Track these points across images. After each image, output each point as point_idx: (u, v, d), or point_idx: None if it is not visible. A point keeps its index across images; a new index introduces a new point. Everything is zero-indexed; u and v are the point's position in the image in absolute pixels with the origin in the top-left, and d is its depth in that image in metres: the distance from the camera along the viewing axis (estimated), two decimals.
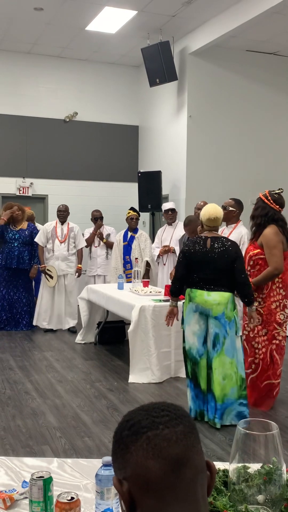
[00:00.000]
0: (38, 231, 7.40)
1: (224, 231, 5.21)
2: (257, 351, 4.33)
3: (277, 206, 4.36)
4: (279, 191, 4.46)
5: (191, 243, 4.09)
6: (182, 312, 4.17)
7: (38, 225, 7.96)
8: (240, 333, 4.08)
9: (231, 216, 5.01)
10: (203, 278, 4.00)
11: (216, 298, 3.96)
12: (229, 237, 4.93)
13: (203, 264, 3.99)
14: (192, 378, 4.10)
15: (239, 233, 5.18)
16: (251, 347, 4.37)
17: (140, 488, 0.87)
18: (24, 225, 7.35)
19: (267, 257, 4.23)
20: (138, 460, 0.88)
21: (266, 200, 4.34)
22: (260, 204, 4.37)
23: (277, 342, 4.31)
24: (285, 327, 4.38)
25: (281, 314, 4.29)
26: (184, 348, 4.17)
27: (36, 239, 7.36)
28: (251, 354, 4.37)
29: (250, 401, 4.29)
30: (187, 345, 4.11)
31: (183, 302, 4.19)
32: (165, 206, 7.26)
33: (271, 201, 4.35)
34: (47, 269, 7.27)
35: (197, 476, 0.89)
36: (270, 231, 4.26)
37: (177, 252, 6.64)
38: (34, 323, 7.30)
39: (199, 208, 6.07)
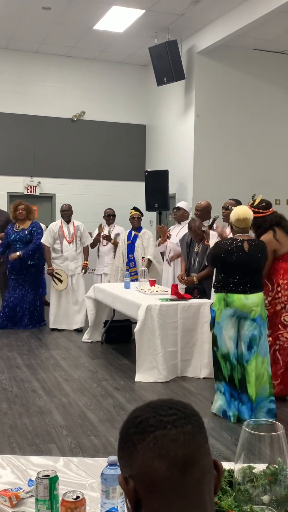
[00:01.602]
0: (38, 228, 7.31)
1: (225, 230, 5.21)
2: (282, 351, 4.35)
3: (267, 211, 4.43)
4: (257, 200, 4.50)
5: (227, 247, 4.04)
6: (213, 317, 4.14)
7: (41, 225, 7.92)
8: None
9: None
10: (241, 282, 4.01)
11: (254, 301, 4.01)
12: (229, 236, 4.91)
13: (240, 268, 4.02)
14: (230, 382, 4.09)
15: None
16: None
17: (145, 488, 0.87)
18: (26, 225, 7.28)
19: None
20: (145, 459, 0.87)
21: (259, 215, 4.38)
22: (255, 222, 4.34)
23: (281, 343, 4.37)
24: None
25: (286, 315, 4.32)
26: (215, 352, 4.16)
27: (42, 240, 7.29)
28: None
29: None
30: (224, 349, 4.09)
31: (212, 306, 4.17)
32: (179, 204, 7.24)
33: (260, 211, 4.43)
34: (56, 273, 7.26)
35: (204, 477, 0.88)
36: (264, 239, 4.35)
37: (172, 239, 6.60)
38: (51, 326, 7.27)
39: (197, 209, 6.05)
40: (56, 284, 7.27)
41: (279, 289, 4.34)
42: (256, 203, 4.48)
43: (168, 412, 0.90)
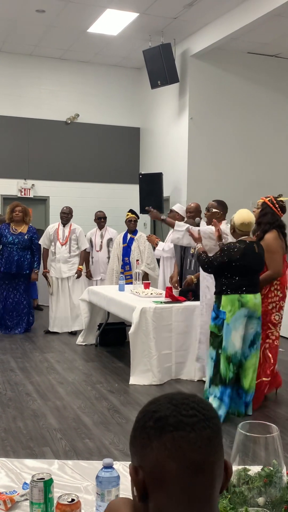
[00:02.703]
0: (37, 234, 7.30)
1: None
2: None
3: (281, 213, 4.48)
4: (282, 198, 4.55)
5: (240, 250, 4.07)
6: (223, 319, 4.11)
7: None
8: None
9: (215, 217, 4.99)
10: (251, 283, 4.13)
11: (260, 300, 4.20)
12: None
13: (252, 269, 4.14)
14: (229, 384, 4.10)
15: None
16: None
17: (155, 483, 0.88)
18: (25, 228, 7.23)
19: (268, 262, 4.33)
20: (159, 457, 0.87)
21: (273, 207, 4.43)
22: (268, 211, 4.47)
23: (270, 341, 4.46)
24: (279, 328, 4.49)
25: (276, 315, 4.43)
26: (218, 355, 4.13)
27: (40, 242, 7.35)
28: None
29: None
30: (231, 351, 4.09)
31: (218, 308, 4.14)
32: (174, 207, 7.24)
33: (278, 208, 4.47)
34: (48, 275, 7.33)
35: (214, 480, 0.89)
36: (271, 236, 4.40)
37: (159, 247, 6.61)
38: (50, 329, 7.28)
39: (189, 211, 6.05)
40: (49, 286, 7.33)
41: (272, 289, 4.42)
42: (281, 198, 4.53)
43: (189, 412, 0.90)
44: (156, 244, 6.78)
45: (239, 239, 4.17)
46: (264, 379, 4.43)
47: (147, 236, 7.10)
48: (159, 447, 0.88)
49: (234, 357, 4.09)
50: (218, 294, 4.19)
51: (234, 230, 4.21)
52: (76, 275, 7.33)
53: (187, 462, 0.86)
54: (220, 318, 4.13)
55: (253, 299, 4.12)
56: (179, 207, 7.21)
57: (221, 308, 4.13)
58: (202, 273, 5.06)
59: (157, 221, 9.55)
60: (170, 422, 0.88)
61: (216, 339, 4.17)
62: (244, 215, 4.15)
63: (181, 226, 4.85)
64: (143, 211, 9.19)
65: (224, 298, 4.12)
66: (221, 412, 4.08)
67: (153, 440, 0.88)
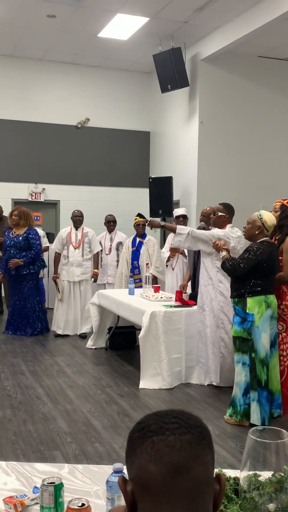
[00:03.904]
0: (35, 235, 7.25)
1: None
2: (282, 357, 4.36)
3: None
4: None
5: (268, 251, 4.09)
6: (251, 321, 4.07)
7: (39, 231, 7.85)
8: None
9: (221, 221, 4.97)
10: (272, 284, 4.19)
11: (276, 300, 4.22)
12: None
13: (275, 270, 4.20)
14: (265, 386, 4.08)
15: (221, 232, 5.09)
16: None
17: (140, 490, 0.89)
18: (22, 230, 7.23)
19: (285, 263, 4.29)
20: (141, 462, 0.89)
21: None
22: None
23: None
24: None
25: None
26: (252, 359, 4.07)
27: (53, 246, 7.42)
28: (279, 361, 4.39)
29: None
30: (262, 353, 4.06)
31: (244, 311, 4.10)
32: (177, 212, 7.25)
33: None
34: (58, 280, 7.34)
35: (198, 487, 0.88)
36: None
37: (186, 254, 6.60)
38: (51, 329, 7.31)
39: (202, 215, 6.04)
40: (58, 291, 7.34)
41: None
42: None
43: (171, 420, 0.91)
44: (182, 253, 6.82)
45: (263, 239, 4.16)
46: None
47: (171, 246, 7.06)
48: (141, 453, 0.89)
49: (266, 358, 4.08)
50: (240, 296, 4.14)
51: (261, 231, 4.18)
52: (92, 279, 7.36)
53: (166, 465, 0.86)
54: (248, 321, 4.06)
55: (274, 300, 4.16)
56: (184, 211, 7.24)
57: (248, 311, 4.07)
58: (204, 278, 5.05)
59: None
60: (152, 428, 0.91)
61: (245, 344, 4.09)
62: (272, 216, 4.25)
63: (183, 229, 4.86)
64: (153, 214, 9.20)
65: (250, 300, 4.07)
66: (265, 416, 4.06)
67: (137, 448, 0.90)
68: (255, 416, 4.07)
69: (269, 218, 4.19)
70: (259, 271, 4.07)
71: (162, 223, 5.18)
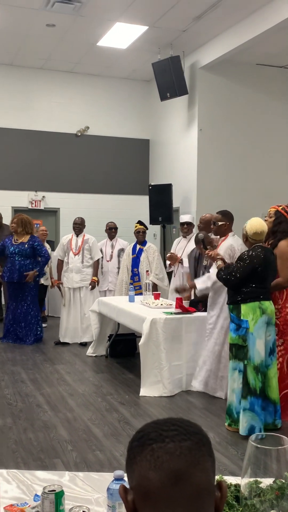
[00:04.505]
0: (39, 244, 7.30)
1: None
2: None
3: None
4: None
5: (262, 257, 4.07)
6: (246, 328, 4.06)
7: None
8: None
9: (223, 229, 4.99)
10: (268, 289, 4.18)
11: (274, 306, 4.19)
12: (218, 250, 4.88)
13: (270, 276, 4.19)
14: (261, 394, 4.04)
15: (226, 245, 5.10)
16: None
17: (141, 498, 0.88)
18: (25, 238, 7.25)
19: (280, 268, 4.32)
20: (141, 470, 0.88)
21: (287, 215, 4.46)
22: (283, 219, 4.50)
23: None
24: None
25: None
26: (245, 366, 4.05)
27: (55, 253, 7.48)
28: None
29: None
30: (257, 360, 4.03)
31: (238, 317, 4.10)
32: (182, 218, 7.22)
33: None
34: (62, 286, 7.37)
35: (198, 494, 0.87)
36: (285, 244, 4.41)
37: (185, 264, 6.58)
38: (60, 339, 7.31)
39: (200, 222, 6.04)
40: (62, 297, 7.37)
41: None
42: None
43: (170, 427, 0.91)
44: (180, 262, 6.80)
45: (256, 245, 4.16)
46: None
47: (168, 255, 7.06)
48: (141, 461, 0.89)
49: (261, 366, 4.04)
50: (235, 303, 4.13)
51: (247, 239, 4.21)
52: (90, 286, 7.36)
53: (166, 471, 0.86)
54: (243, 328, 4.06)
55: (270, 306, 4.13)
56: (190, 218, 7.23)
57: (242, 317, 4.07)
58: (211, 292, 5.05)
59: (167, 232, 9.57)
60: (151, 436, 0.91)
61: (241, 351, 4.08)
62: (257, 224, 4.15)
63: (202, 288, 5.01)
64: (153, 222, 9.22)
65: (244, 307, 4.06)
66: (256, 424, 4.00)
67: (137, 456, 0.90)
68: (241, 426, 4.03)
69: (251, 227, 4.14)
70: (253, 277, 4.06)
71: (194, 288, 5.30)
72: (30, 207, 10.00)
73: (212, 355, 4.98)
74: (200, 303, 5.59)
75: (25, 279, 7.11)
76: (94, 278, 7.38)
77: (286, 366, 4.37)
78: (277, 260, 4.33)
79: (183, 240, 7.09)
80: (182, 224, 7.12)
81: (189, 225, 7.08)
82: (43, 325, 7.92)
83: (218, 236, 5.19)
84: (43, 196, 10.12)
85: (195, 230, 7.51)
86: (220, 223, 4.95)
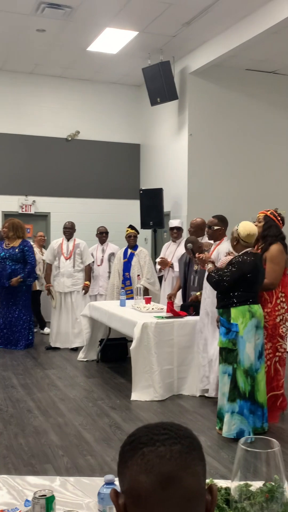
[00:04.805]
0: (30, 248, 7.27)
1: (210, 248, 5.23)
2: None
3: (282, 225, 4.57)
4: (280, 211, 4.63)
5: (252, 263, 4.09)
6: (236, 332, 4.07)
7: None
8: None
9: (218, 234, 5.03)
10: (256, 294, 4.20)
11: (262, 310, 4.22)
12: (212, 254, 4.92)
13: (260, 280, 4.21)
14: (249, 397, 4.05)
15: (217, 251, 5.12)
16: None
17: (132, 502, 0.89)
18: (16, 243, 7.22)
19: (267, 271, 4.38)
20: (133, 474, 0.89)
21: (275, 220, 4.49)
22: (272, 223, 4.54)
23: (280, 354, 4.46)
24: (286, 340, 4.51)
25: (283, 327, 4.46)
26: (234, 370, 4.05)
27: (44, 257, 7.43)
28: None
29: None
30: (246, 363, 4.04)
31: (232, 320, 4.09)
32: (171, 223, 7.24)
33: (280, 221, 4.57)
34: (52, 288, 7.32)
35: (189, 497, 0.88)
36: (276, 248, 4.45)
37: (176, 268, 6.60)
38: (51, 344, 7.28)
39: (191, 226, 6.06)
40: (52, 299, 7.32)
41: (278, 301, 4.44)
42: (280, 212, 4.61)
43: (161, 431, 0.92)
44: (171, 266, 6.81)
45: (246, 251, 4.18)
46: (277, 392, 4.43)
47: (159, 260, 7.05)
48: (132, 465, 0.90)
49: (250, 369, 4.06)
50: (225, 307, 4.15)
51: (238, 241, 4.22)
52: (83, 291, 7.34)
53: (157, 475, 0.87)
54: (233, 332, 4.07)
55: (259, 309, 4.16)
56: (179, 223, 7.25)
57: (232, 321, 4.08)
58: (206, 289, 5.06)
59: (158, 237, 9.59)
60: (142, 440, 0.91)
61: (231, 354, 4.09)
62: (249, 226, 4.20)
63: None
64: (144, 226, 9.23)
65: (234, 311, 4.08)
66: (245, 428, 4.02)
67: (128, 460, 0.91)
68: (226, 428, 4.03)
69: (244, 229, 4.17)
70: (243, 282, 4.08)
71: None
72: (20, 211, 9.98)
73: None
74: (191, 307, 5.60)
75: (16, 288, 7.10)
76: (86, 282, 7.37)
77: (273, 369, 4.42)
78: (266, 263, 4.37)
79: (172, 245, 7.11)
80: (172, 228, 7.14)
81: (178, 229, 7.10)
82: (47, 330, 7.88)
83: (212, 241, 5.22)
84: (34, 201, 10.10)
85: (185, 235, 7.54)
86: (216, 227, 5.00)
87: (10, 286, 7.09)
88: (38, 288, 7.91)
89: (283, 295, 4.46)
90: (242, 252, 4.18)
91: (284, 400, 4.52)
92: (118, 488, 0.95)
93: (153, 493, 0.86)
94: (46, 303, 8.74)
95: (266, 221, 4.55)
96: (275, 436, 4.02)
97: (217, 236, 5.05)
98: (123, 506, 0.90)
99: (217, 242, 5.09)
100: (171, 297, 6.07)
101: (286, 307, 4.47)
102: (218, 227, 5.00)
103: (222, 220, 5.07)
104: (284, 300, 4.46)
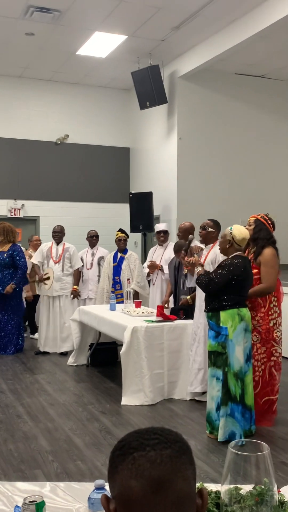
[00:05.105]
0: (20, 252, 7.21)
1: (203, 251, 5.24)
2: (256, 368, 4.41)
3: (273, 230, 4.61)
4: (272, 216, 4.66)
5: (242, 266, 4.11)
6: (225, 335, 4.07)
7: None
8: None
9: (211, 236, 5.07)
10: (245, 298, 4.21)
11: (250, 313, 4.24)
12: (207, 257, 4.96)
13: (249, 284, 4.22)
14: (240, 401, 4.06)
15: (214, 253, 5.16)
16: None
17: (123, 507, 0.89)
18: (6, 247, 7.16)
19: (263, 275, 4.39)
20: (123, 479, 0.89)
21: (266, 223, 4.52)
22: (263, 227, 4.55)
23: (275, 358, 4.46)
24: (281, 344, 4.48)
25: (277, 331, 4.46)
26: (225, 374, 4.05)
27: (32, 259, 7.38)
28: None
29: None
30: (237, 367, 4.05)
31: (222, 324, 4.09)
32: (158, 227, 7.27)
33: (270, 224, 4.58)
34: (45, 274, 7.23)
35: (180, 501, 0.88)
36: (270, 252, 4.47)
37: (165, 271, 6.61)
38: (40, 349, 7.24)
39: (179, 231, 6.07)
40: (45, 284, 7.22)
41: (271, 305, 4.46)
42: (271, 216, 4.64)
43: (151, 436, 0.92)
44: (161, 269, 6.81)
45: (236, 254, 4.20)
46: (272, 397, 4.43)
47: (149, 264, 7.04)
48: (122, 470, 0.90)
49: (240, 372, 4.07)
50: (214, 310, 4.15)
51: (231, 245, 4.22)
52: (72, 296, 7.32)
53: (147, 480, 0.87)
54: (222, 335, 4.07)
55: (247, 313, 4.18)
56: (166, 226, 7.27)
57: (221, 324, 4.09)
58: (198, 293, 5.07)
59: (148, 240, 9.59)
60: (132, 445, 0.91)
61: (220, 358, 4.09)
62: (244, 230, 4.23)
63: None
64: (134, 229, 9.24)
65: (223, 314, 4.09)
66: (237, 430, 4.03)
67: (118, 465, 0.91)
68: (221, 432, 4.04)
69: (239, 232, 4.19)
70: (232, 286, 4.09)
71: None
72: (9, 215, 9.94)
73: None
74: (181, 310, 5.61)
75: (3, 290, 7.05)
76: (75, 287, 7.35)
77: (268, 373, 4.42)
78: (261, 267, 4.39)
79: (159, 248, 7.12)
80: (159, 232, 7.15)
81: (165, 233, 7.12)
82: (37, 335, 7.79)
83: (203, 245, 5.24)
84: (23, 205, 10.07)
85: (174, 238, 7.56)
86: (210, 229, 5.03)
87: (1, 292, 7.03)
88: (37, 292, 7.84)
89: (275, 299, 4.48)
90: (232, 255, 4.20)
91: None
92: (109, 494, 0.94)
93: (144, 498, 0.86)
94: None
95: (256, 225, 4.58)
96: (265, 439, 4.03)
97: (210, 239, 5.07)
98: (114, 511, 0.90)
99: (211, 245, 5.10)
100: (166, 304, 6.08)
101: (278, 311, 4.48)
102: (212, 229, 5.03)
103: (217, 224, 5.13)
104: (276, 304, 4.48)
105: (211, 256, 5.02)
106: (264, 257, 4.43)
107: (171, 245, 7.03)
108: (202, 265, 4.51)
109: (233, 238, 4.19)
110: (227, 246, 4.23)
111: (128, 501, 0.88)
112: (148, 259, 7.26)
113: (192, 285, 5.48)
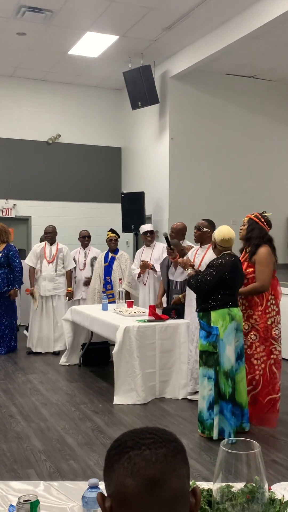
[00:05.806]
0: (15, 252, 7.23)
1: (198, 251, 5.24)
2: (257, 367, 4.43)
3: (268, 228, 4.59)
4: (266, 213, 4.66)
5: (230, 265, 4.13)
6: (216, 335, 4.09)
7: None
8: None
9: (206, 236, 5.07)
10: (235, 297, 4.25)
11: (241, 312, 4.29)
12: (204, 257, 4.97)
13: (239, 283, 4.26)
14: (230, 399, 4.08)
15: (212, 253, 5.17)
16: (250, 364, 4.43)
17: (118, 504, 0.91)
18: (1, 247, 7.17)
19: (257, 274, 4.41)
20: (119, 477, 0.91)
21: (259, 222, 4.52)
22: (255, 226, 4.56)
23: (275, 356, 4.47)
24: (280, 342, 4.50)
25: (275, 329, 4.47)
26: (216, 373, 4.08)
27: (26, 261, 7.33)
28: (251, 371, 4.43)
29: (254, 419, 4.37)
30: (227, 366, 4.08)
31: (209, 324, 4.12)
32: (143, 228, 7.26)
33: (264, 223, 4.57)
34: (35, 290, 7.25)
35: (174, 499, 0.90)
36: (264, 251, 4.48)
37: (157, 269, 6.61)
38: (28, 346, 7.24)
39: (173, 231, 6.08)
40: (34, 302, 7.26)
41: (268, 304, 4.47)
42: (265, 214, 4.64)
43: (147, 436, 0.94)
44: (152, 268, 6.81)
45: (225, 253, 4.23)
46: (273, 396, 4.44)
47: (140, 264, 7.03)
48: (118, 468, 0.92)
49: (231, 371, 4.10)
50: (205, 310, 4.19)
51: (215, 246, 4.28)
52: (67, 298, 7.32)
53: (142, 478, 0.89)
54: (214, 335, 4.10)
55: (238, 312, 4.21)
56: (151, 227, 7.29)
57: (212, 324, 4.12)
58: (189, 293, 5.10)
59: (139, 240, 9.59)
60: (128, 444, 0.94)
61: (211, 357, 4.12)
62: (224, 231, 4.24)
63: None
64: (125, 229, 9.24)
65: (214, 314, 4.12)
66: (226, 427, 4.06)
67: (114, 464, 0.93)
68: (215, 431, 4.07)
69: (218, 233, 4.23)
70: (222, 284, 4.13)
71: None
72: (0, 215, 9.91)
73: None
74: (173, 310, 5.63)
75: (1, 289, 7.05)
76: (69, 289, 7.35)
77: (269, 371, 4.42)
78: (255, 266, 4.42)
79: (147, 249, 7.10)
80: (145, 233, 7.12)
81: (151, 233, 7.12)
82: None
83: (197, 245, 5.26)
84: (14, 204, 10.05)
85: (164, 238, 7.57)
86: (205, 229, 5.05)
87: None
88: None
89: (273, 297, 4.49)
90: (221, 254, 4.24)
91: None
92: (103, 492, 0.96)
93: (139, 496, 0.89)
94: (26, 307, 8.68)
95: (249, 224, 4.60)
96: (256, 437, 4.07)
97: (204, 239, 5.08)
98: (110, 509, 0.92)
99: (207, 245, 5.08)
100: (159, 305, 6.10)
101: (276, 309, 4.49)
102: (207, 229, 5.05)
103: (211, 224, 5.13)
104: (274, 302, 4.49)
105: (209, 256, 5.03)
106: (258, 255, 4.45)
107: (158, 244, 7.05)
108: (193, 266, 4.54)
109: (215, 240, 4.26)
110: (213, 247, 4.35)
111: (124, 499, 0.90)
112: (136, 260, 7.23)
113: (180, 279, 5.51)
